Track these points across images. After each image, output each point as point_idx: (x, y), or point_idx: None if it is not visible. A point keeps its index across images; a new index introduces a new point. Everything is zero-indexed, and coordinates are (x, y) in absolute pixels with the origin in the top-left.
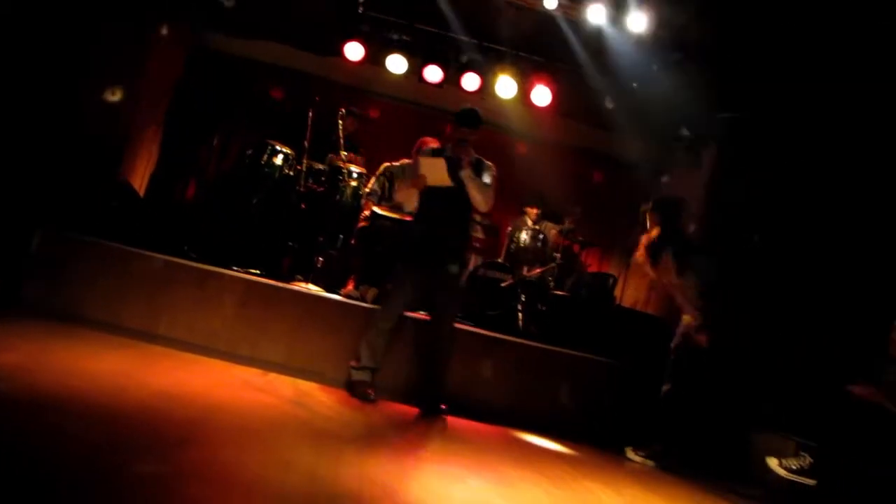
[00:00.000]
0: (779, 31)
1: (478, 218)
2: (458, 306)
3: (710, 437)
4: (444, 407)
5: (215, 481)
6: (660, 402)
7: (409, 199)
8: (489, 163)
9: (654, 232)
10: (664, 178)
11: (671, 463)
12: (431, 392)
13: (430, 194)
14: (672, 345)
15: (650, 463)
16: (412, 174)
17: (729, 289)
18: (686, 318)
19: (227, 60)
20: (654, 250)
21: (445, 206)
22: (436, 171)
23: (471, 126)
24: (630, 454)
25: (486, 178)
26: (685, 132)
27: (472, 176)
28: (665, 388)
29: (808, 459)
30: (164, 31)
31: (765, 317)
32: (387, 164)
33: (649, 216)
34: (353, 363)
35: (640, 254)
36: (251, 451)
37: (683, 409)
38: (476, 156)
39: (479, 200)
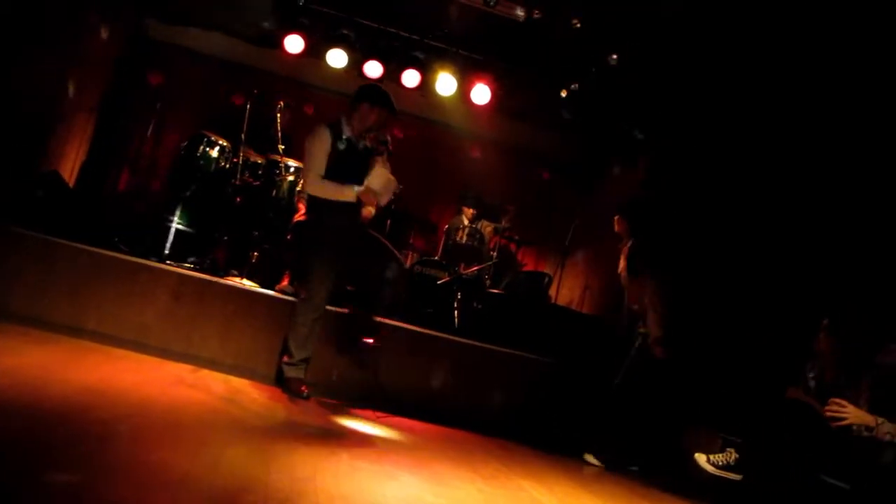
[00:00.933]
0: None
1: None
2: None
3: (644, 434)
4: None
5: (140, 481)
6: (611, 401)
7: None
8: None
9: (630, 244)
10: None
11: (621, 461)
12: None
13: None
14: (635, 345)
15: (607, 466)
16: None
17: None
18: (651, 328)
19: (164, 48)
20: (632, 263)
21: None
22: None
23: (393, 112)
24: (589, 458)
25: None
26: (638, 135)
27: (387, 171)
28: (616, 386)
29: (734, 455)
30: (100, 13)
31: (697, 314)
32: None
33: (618, 222)
34: (285, 359)
35: (622, 266)
36: (180, 449)
37: (632, 408)
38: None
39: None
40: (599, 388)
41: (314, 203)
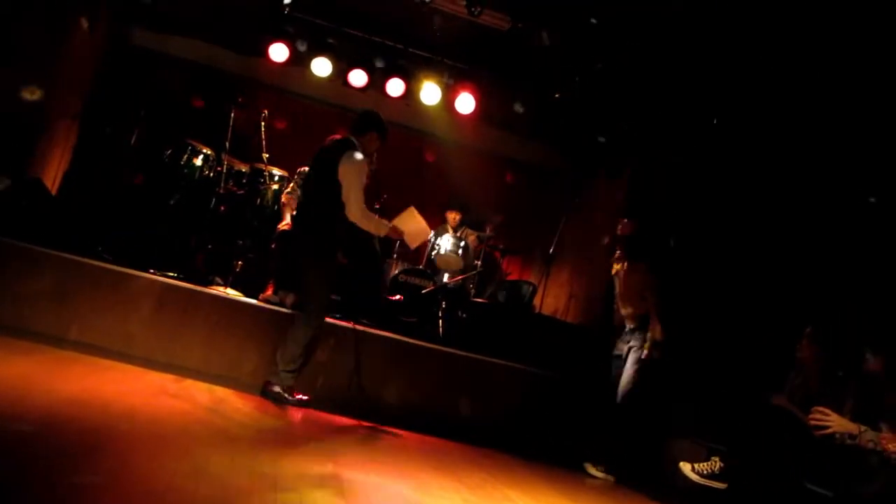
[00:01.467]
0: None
1: None
2: None
3: (630, 443)
4: None
5: (123, 491)
6: (615, 411)
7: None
8: None
9: (629, 224)
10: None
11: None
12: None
13: (332, 198)
14: (642, 356)
15: (611, 478)
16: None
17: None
18: (656, 332)
19: (148, 56)
20: (631, 246)
21: (341, 205)
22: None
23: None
24: (590, 469)
25: None
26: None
27: (422, 219)
28: (621, 397)
29: (719, 464)
30: (83, 19)
31: (682, 322)
32: (305, 168)
33: (625, 225)
34: (290, 367)
35: (617, 255)
36: (163, 459)
37: (629, 418)
38: None
39: None
40: (595, 398)
41: (325, 219)
